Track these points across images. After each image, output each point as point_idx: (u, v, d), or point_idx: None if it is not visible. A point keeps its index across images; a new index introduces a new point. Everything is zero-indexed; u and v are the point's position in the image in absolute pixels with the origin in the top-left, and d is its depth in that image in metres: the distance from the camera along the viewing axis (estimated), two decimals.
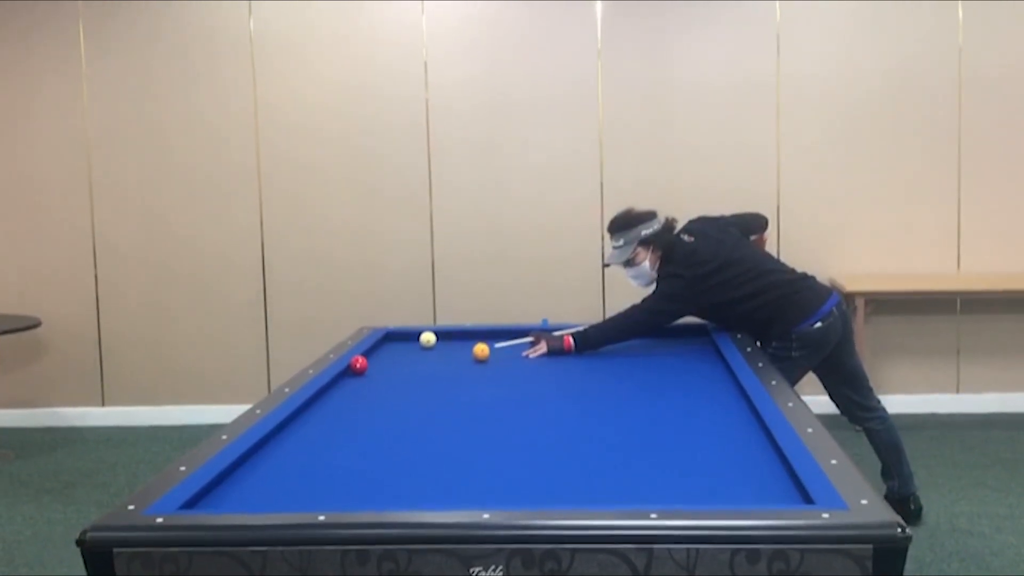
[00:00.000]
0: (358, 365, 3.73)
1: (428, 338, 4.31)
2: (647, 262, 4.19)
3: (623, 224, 4.21)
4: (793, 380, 4.02)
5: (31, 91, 6.15)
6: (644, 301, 4.16)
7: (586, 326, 4.16)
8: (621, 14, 5.92)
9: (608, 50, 5.95)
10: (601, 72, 5.96)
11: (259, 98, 6.07)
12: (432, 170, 6.06)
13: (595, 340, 4.10)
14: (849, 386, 4.30)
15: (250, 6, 6.02)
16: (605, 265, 4.27)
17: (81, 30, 6.08)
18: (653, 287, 4.23)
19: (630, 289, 5.94)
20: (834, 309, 4.11)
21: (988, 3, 5.80)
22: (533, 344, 4.11)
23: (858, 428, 4.52)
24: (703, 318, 4.28)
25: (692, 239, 4.19)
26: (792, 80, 5.91)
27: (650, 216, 4.21)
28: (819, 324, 4.06)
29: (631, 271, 4.26)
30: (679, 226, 4.30)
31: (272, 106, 6.08)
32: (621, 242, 4.20)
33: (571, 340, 4.07)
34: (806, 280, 4.19)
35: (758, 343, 4.15)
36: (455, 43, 6.00)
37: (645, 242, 4.16)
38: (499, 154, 6.04)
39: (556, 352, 4.05)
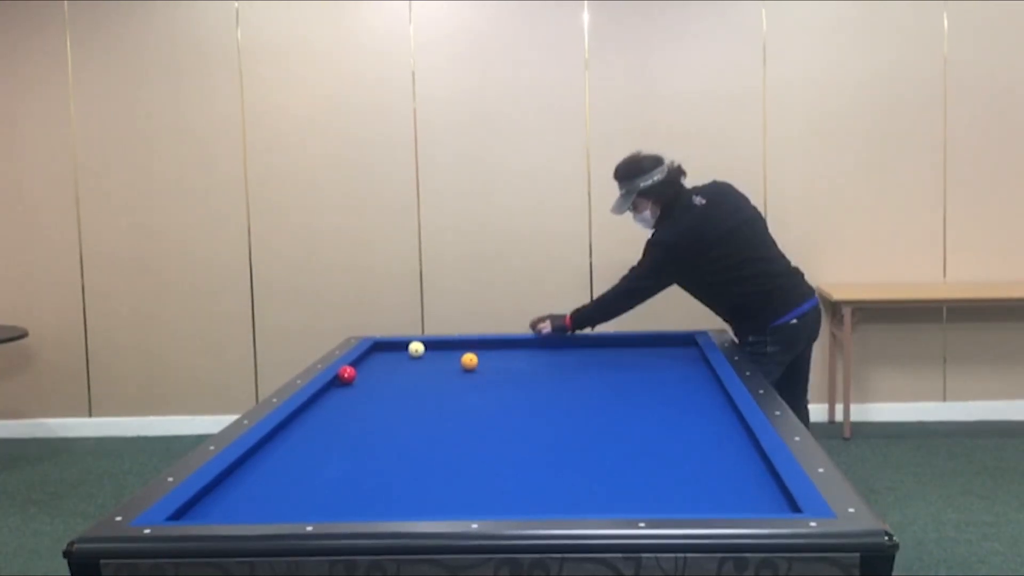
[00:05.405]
0: (346, 375, 3.73)
1: (416, 348, 4.30)
2: (647, 211, 4.23)
3: (625, 174, 4.24)
4: (773, 378, 4.03)
5: (17, 99, 6.13)
6: (631, 271, 4.21)
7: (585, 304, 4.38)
8: (608, 24, 5.94)
9: (595, 60, 5.96)
10: (588, 81, 5.98)
11: (247, 107, 6.07)
12: (420, 179, 6.07)
13: (589, 317, 4.32)
14: (790, 391, 4.18)
15: (238, 15, 6.02)
16: (612, 212, 4.38)
17: (68, 38, 6.06)
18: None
19: None
20: (811, 310, 4.16)
21: (973, 12, 5.84)
22: (540, 321, 4.43)
23: None
24: (686, 290, 4.29)
25: (703, 202, 4.16)
26: (779, 89, 5.94)
27: (652, 165, 4.18)
28: (795, 321, 4.09)
29: (635, 218, 4.31)
30: (698, 183, 4.31)
31: (260, 115, 6.08)
32: (623, 191, 4.24)
33: (569, 319, 4.34)
34: (794, 276, 4.22)
35: (734, 338, 4.18)
36: (443, 53, 6.01)
37: (644, 193, 4.18)
38: (487, 163, 6.05)
39: (558, 329, 4.37)
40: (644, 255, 4.18)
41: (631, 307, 4.29)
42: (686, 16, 5.94)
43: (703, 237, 4.06)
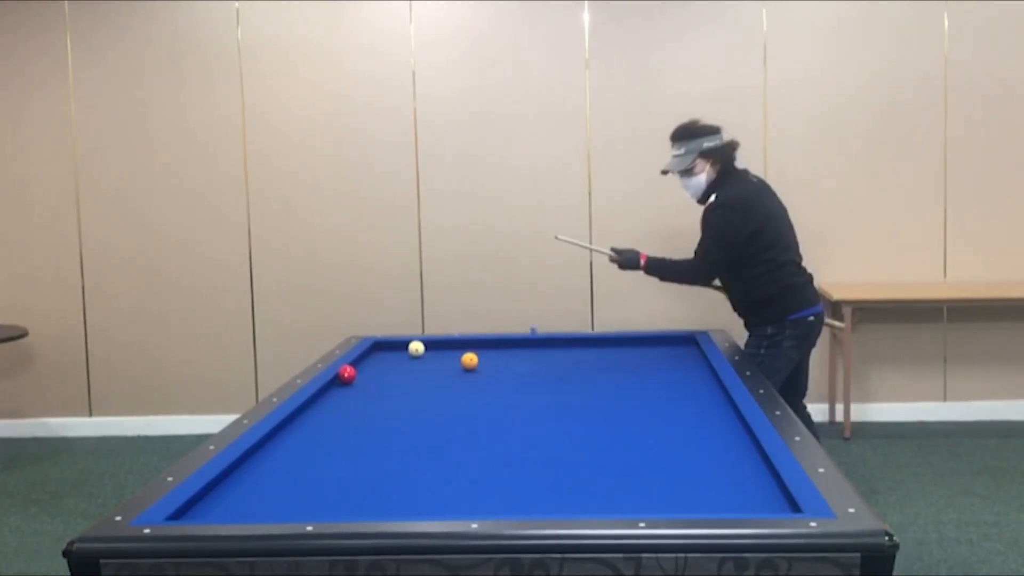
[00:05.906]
0: (346, 374, 3.73)
1: (416, 347, 4.31)
2: (703, 175, 4.24)
3: (687, 133, 4.25)
4: (783, 374, 4.11)
5: (18, 98, 6.12)
6: (698, 246, 4.22)
7: (663, 257, 4.36)
8: (608, 24, 5.93)
9: (595, 60, 5.96)
10: (588, 82, 5.97)
11: (247, 106, 6.07)
12: (420, 179, 6.06)
13: (661, 267, 4.32)
14: (791, 397, 4.22)
15: (238, 15, 6.02)
16: (663, 172, 4.34)
17: (68, 38, 6.06)
18: (699, 199, 4.28)
19: (619, 298, 5.99)
20: (820, 314, 4.26)
21: (973, 12, 5.83)
22: (614, 260, 4.39)
23: None
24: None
25: (755, 179, 4.28)
26: (779, 89, 5.93)
27: (714, 130, 4.25)
28: (812, 317, 4.19)
29: (686, 181, 4.30)
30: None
31: (260, 114, 6.07)
32: (683, 151, 4.25)
33: (647, 259, 4.30)
34: (810, 279, 4.33)
35: (748, 332, 4.24)
36: (443, 53, 6.00)
37: (705, 154, 4.21)
38: (487, 163, 6.04)
39: (630, 268, 4.33)
40: (704, 226, 4.20)
41: (696, 281, 4.35)
42: (686, 16, 5.94)
43: (759, 207, 4.15)
